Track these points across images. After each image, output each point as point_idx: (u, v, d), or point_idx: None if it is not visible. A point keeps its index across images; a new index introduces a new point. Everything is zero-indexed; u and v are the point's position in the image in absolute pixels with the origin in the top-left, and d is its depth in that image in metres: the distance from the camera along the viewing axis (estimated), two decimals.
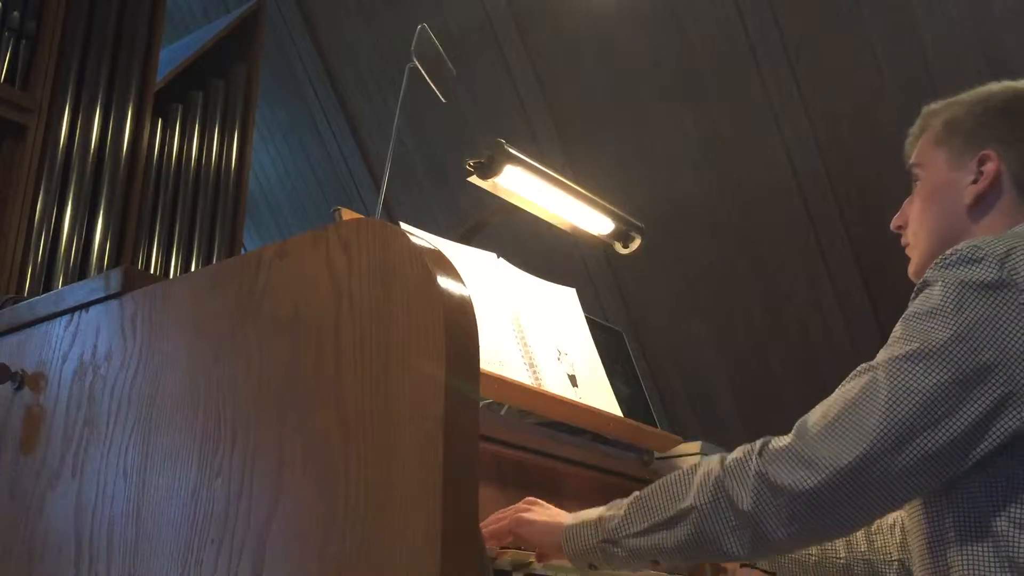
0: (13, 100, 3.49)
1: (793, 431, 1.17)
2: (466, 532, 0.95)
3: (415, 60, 1.95)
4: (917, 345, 1.14)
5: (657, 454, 1.93)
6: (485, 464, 1.51)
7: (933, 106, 1.50)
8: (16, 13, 3.53)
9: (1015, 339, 1.12)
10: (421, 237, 1.11)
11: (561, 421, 1.75)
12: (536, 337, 1.80)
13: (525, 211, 2.18)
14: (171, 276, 3.66)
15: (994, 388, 1.11)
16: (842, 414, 1.14)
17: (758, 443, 1.18)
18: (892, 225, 1.49)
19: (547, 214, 2.20)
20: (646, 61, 4.56)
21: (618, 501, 1.29)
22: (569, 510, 1.36)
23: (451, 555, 0.91)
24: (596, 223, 2.27)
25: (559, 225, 2.26)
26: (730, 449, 1.23)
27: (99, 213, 3.73)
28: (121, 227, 3.81)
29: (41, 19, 3.64)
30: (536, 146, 4.83)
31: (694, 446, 2.05)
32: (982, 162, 1.36)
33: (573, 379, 1.82)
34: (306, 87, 5.54)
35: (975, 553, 1.14)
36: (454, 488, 0.93)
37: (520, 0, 4.74)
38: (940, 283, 1.17)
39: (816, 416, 1.16)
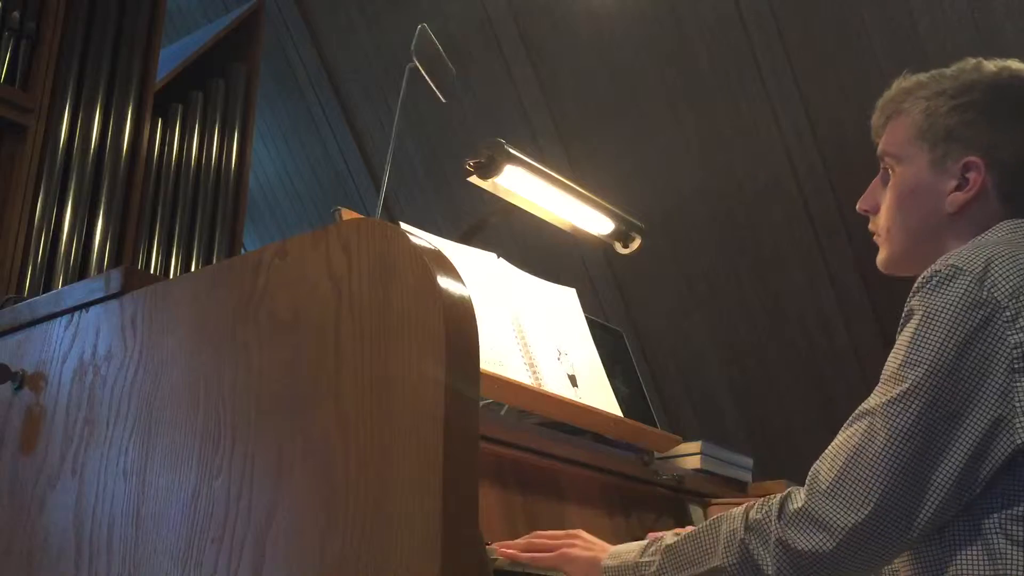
0: (13, 100, 3.49)
1: (806, 485, 1.19)
2: (466, 532, 0.95)
3: (415, 60, 1.95)
4: (908, 384, 1.15)
5: (657, 454, 1.93)
6: (485, 464, 1.50)
7: (912, 83, 1.44)
8: (16, 13, 3.53)
9: (998, 361, 1.13)
10: (421, 237, 1.11)
11: (561, 421, 1.75)
12: (536, 337, 1.80)
13: (525, 211, 2.18)
14: (171, 276, 3.65)
15: (984, 413, 1.13)
16: (847, 467, 1.15)
17: (776, 503, 1.19)
18: (859, 207, 1.46)
19: (547, 214, 2.20)
20: (646, 61, 4.56)
21: (652, 544, 1.29)
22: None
23: (451, 555, 0.91)
24: (596, 223, 2.26)
25: (559, 225, 2.26)
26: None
27: (99, 213, 3.73)
28: (121, 227, 3.81)
29: (41, 19, 3.64)
30: (536, 146, 4.82)
31: (694, 446, 2.05)
32: (967, 168, 1.33)
33: (573, 379, 1.82)
34: (306, 87, 5.53)
35: (969, 570, 1.15)
36: (454, 488, 0.93)
37: (520, 0, 4.73)
38: (921, 312, 1.18)
39: (824, 469, 1.18)
